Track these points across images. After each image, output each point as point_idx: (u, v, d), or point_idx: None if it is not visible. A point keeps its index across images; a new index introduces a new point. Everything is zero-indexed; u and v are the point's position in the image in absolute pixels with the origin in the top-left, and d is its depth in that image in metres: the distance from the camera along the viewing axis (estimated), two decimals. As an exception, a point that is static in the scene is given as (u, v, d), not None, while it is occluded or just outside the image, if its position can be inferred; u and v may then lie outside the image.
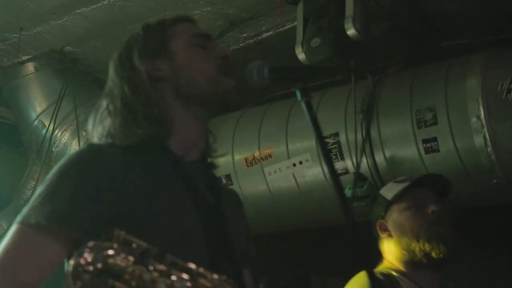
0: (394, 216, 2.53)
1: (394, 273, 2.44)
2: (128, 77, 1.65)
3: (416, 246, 2.44)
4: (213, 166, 1.75)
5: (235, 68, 1.69)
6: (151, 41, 1.70)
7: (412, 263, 2.44)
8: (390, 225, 2.53)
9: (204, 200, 1.60)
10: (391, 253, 2.51)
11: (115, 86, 1.67)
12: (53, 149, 4.15)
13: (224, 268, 1.49)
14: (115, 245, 1.00)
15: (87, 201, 1.44)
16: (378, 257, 2.56)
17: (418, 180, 2.58)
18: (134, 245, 1.02)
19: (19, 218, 1.46)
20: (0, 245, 1.45)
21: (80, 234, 1.40)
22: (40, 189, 1.49)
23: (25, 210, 1.47)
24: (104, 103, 1.67)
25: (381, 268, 2.50)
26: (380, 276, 2.38)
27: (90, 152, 1.54)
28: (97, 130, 1.65)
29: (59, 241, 1.43)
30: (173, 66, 1.67)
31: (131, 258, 1.00)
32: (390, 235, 2.52)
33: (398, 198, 2.55)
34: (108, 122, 1.63)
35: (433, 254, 2.42)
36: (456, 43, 3.63)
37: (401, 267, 2.47)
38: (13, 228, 1.46)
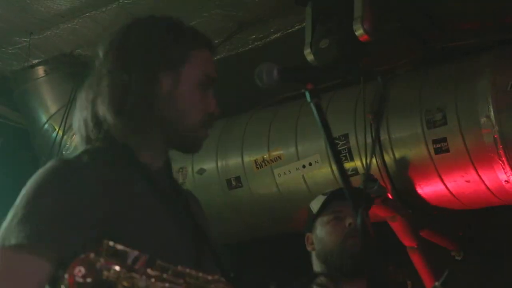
0: (317, 230, 2.55)
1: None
2: (139, 69, 1.60)
3: (331, 260, 2.45)
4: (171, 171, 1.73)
5: (213, 123, 1.67)
6: (173, 51, 1.64)
7: (330, 276, 2.45)
8: (314, 238, 2.56)
9: (179, 207, 1.61)
10: (316, 266, 2.53)
11: (122, 63, 1.63)
12: (64, 153, 4.16)
13: (211, 269, 1.48)
14: (106, 256, 0.99)
15: (67, 218, 1.38)
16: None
17: (337, 192, 2.56)
18: (124, 254, 1.01)
19: None
20: None
21: (63, 252, 1.34)
22: (14, 211, 1.40)
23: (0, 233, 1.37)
24: (103, 73, 1.64)
25: (318, 281, 2.51)
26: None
27: (63, 169, 1.49)
28: (82, 114, 1.62)
29: (42, 261, 1.34)
30: (171, 91, 1.61)
31: (123, 267, 0.99)
32: (313, 249, 2.55)
33: (320, 211, 2.56)
34: (98, 106, 1.58)
35: (344, 269, 2.43)
36: (465, 43, 3.62)
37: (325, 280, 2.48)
38: None
